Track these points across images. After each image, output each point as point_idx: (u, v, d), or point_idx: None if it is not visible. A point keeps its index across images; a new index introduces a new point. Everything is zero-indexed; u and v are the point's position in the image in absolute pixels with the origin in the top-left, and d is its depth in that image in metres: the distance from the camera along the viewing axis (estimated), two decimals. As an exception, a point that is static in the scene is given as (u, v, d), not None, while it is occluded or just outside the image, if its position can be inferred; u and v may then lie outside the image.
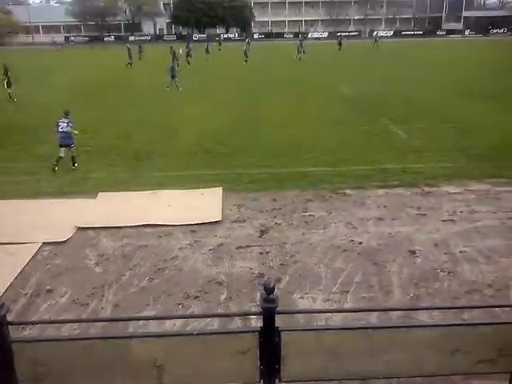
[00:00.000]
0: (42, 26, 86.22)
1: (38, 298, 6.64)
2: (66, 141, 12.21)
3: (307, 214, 9.33)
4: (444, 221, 8.89)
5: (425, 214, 9.18)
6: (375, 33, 74.87)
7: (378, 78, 28.11)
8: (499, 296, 6.44)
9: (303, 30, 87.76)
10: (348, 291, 6.67)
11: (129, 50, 38.18)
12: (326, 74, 31.64)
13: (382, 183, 10.80)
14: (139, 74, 33.62)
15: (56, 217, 9.22)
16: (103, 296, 6.66)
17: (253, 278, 7.09)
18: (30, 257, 7.70)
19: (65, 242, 8.26)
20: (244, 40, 58.26)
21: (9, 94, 22.45)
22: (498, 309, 5.57)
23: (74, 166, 12.39)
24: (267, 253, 7.83)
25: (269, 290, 3.36)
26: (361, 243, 8.06)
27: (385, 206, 9.60)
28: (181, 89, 25.14)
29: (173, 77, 25.68)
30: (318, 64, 38.43)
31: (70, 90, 25.69)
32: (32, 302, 6.55)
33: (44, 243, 8.13)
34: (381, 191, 10.39)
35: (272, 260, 7.61)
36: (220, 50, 51.12)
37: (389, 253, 7.72)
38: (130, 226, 8.79)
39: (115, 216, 9.22)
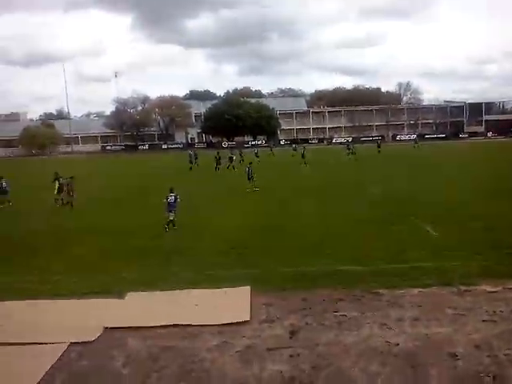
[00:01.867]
0: (81, 137, 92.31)
1: (61, 401, 6.41)
2: (172, 208, 16.53)
3: (339, 314, 9.02)
4: (484, 321, 8.44)
5: (463, 314, 8.76)
6: (417, 135, 77.88)
7: (404, 178, 28.45)
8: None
9: (327, 135, 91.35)
10: (386, 397, 6.23)
11: (190, 155, 43.28)
12: (356, 175, 32.27)
13: (416, 282, 10.46)
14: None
15: (84, 317, 9.15)
16: (128, 400, 6.39)
17: (283, 382, 6.72)
18: (57, 358, 7.54)
19: (92, 342, 8.12)
20: (270, 146, 62.16)
21: (58, 199, 23.40)
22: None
23: (174, 227, 16.51)
24: (298, 355, 7.49)
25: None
26: (397, 344, 7.66)
27: (420, 306, 9.23)
28: (257, 189, 26.11)
29: (250, 179, 26.69)
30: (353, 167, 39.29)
31: (102, 197, 26.74)
32: (55, 405, 6.33)
33: (71, 343, 8.00)
34: (415, 290, 10.04)
35: (303, 362, 7.25)
36: (273, 154, 54.00)
37: (427, 355, 7.28)
38: (158, 327, 8.62)
39: (143, 316, 9.10)
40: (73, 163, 54.83)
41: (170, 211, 16.61)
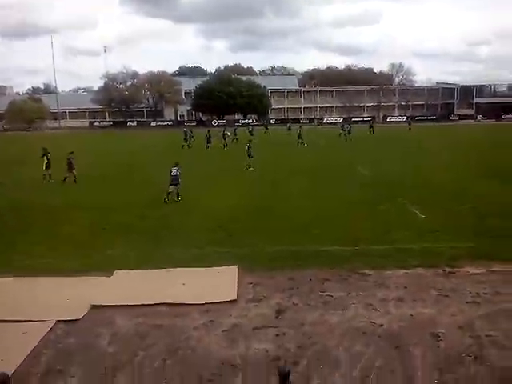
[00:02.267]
0: (69, 112, 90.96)
1: (47, 378, 6.44)
2: (174, 181, 17.69)
3: (325, 294, 9.12)
4: (468, 302, 8.58)
5: (447, 296, 8.90)
6: (409, 117, 77.00)
7: (394, 160, 28.52)
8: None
9: (318, 115, 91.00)
10: (369, 376, 6.34)
11: (185, 133, 42.27)
12: (345, 156, 32.27)
13: (402, 263, 10.58)
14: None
15: (70, 295, 9.14)
16: (115, 377, 6.42)
17: (269, 361, 6.80)
18: (43, 335, 7.55)
19: (78, 320, 8.13)
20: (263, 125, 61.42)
21: (46, 174, 23.27)
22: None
23: (177, 198, 17.66)
24: (284, 334, 7.58)
25: (284, 376, 3.20)
26: (382, 325, 7.77)
27: (405, 287, 9.35)
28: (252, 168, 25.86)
29: (250, 156, 26.50)
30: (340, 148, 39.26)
31: (89, 173, 26.52)
32: (42, 382, 6.35)
33: (58, 321, 8.01)
34: (401, 271, 10.17)
35: (289, 342, 7.34)
36: (268, 133, 53.16)
37: (411, 336, 7.40)
38: (145, 305, 8.66)
39: (131, 294, 9.12)
40: (62, 139, 54.05)
41: (173, 184, 17.75)
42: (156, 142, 47.48)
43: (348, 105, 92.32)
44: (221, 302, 8.75)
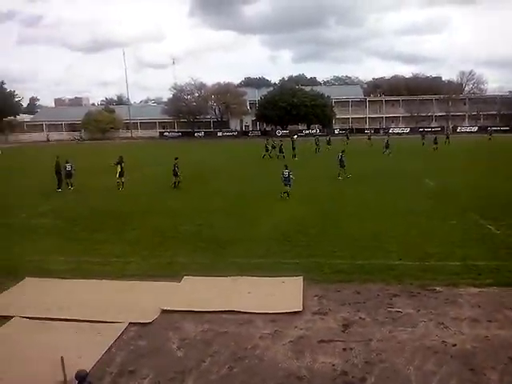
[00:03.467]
0: (140, 123, 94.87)
1: (121, 379, 6.71)
2: (286, 182, 20.59)
3: (394, 309, 8.89)
4: (549, 326, 8.06)
5: (525, 317, 8.40)
6: (489, 127, 73.50)
7: (464, 172, 27.36)
8: None
9: (384, 125, 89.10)
10: (441, 398, 6.11)
11: (267, 143, 42.55)
12: (412, 166, 31.38)
13: (475, 281, 10.12)
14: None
15: (142, 298, 9.51)
16: (183, 381, 6.60)
17: (335, 376, 6.73)
18: (117, 336, 7.90)
19: (150, 323, 8.43)
20: (326, 135, 60.76)
21: (119, 182, 24.44)
22: None
23: (287, 196, 20.21)
24: (351, 349, 7.46)
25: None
26: (454, 345, 7.46)
27: (479, 306, 8.93)
28: (350, 175, 26.23)
29: (342, 166, 26.51)
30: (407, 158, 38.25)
31: (161, 182, 27.47)
32: (115, 381, 6.64)
33: (130, 323, 8.35)
34: (474, 290, 9.72)
35: (356, 357, 7.22)
36: (347, 143, 51.65)
37: (487, 358, 7.05)
38: (212, 312, 8.83)
39: (198, 300, 9.34)
40: (138, 148, 56.59)
41: (286, 184, 20.67)
42: (234, 152, 47.83)
43: (415, 114, 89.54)
44: (286, 313, 8.75)
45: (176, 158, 24.98)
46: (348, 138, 55.63)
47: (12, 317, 8.67)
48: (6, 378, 6.70)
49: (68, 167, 24.90)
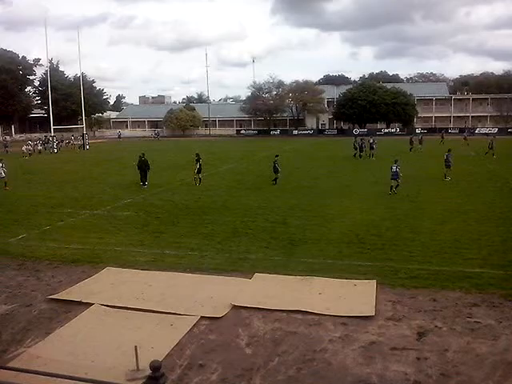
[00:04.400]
0: (219, 121, 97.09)
1: (190, 371, 6.87)
2: (394, 176, 21.23)
3: (472, 320, 8.38)
4: None
5: None
6: None
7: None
8: None
9: (470, 125, 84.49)
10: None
11: (411, 139, 45.23)
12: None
13: None
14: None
15: (214, 293, 9.70)
16: (251, 379, 6.63)
17: (408, 385, 6.45)
18: (188, 329, 8.12)
19: (221, 318, 8.58)
20: (413, 134, 58.67)
21: (197, 178, 25.15)
22: None
23: (395, 191, 21.07)
24: (425, 359, 7.12)
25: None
26: (540, 362, 6.90)
27: None
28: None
29: (448, 166, 25.75)
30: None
31: (237, 178, 27.96)
32: (185, 374, 6.80)
33: (202, 317, 8.54)
34: None
35: (431, 367, 6.87)
36: (442, 143, 50.44)
37: None
38: (282, 310, 8.81)
39: (268, 298, 9.37)
40: (220, 145, 57.93)
41: (393, 179, 21.31)
42: (331, 153, 46.41)
43: (505, 114, 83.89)
44: (358, 317, 8.54)
45: (276, 156, 25.68)
46: (443, 138, 53.38)
47: (92, 304, 9.17)
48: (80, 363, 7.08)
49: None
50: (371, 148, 38.76)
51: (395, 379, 6.60)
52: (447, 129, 75.69)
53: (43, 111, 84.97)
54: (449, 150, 26.34)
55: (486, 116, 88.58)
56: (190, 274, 10.90)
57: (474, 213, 16.90)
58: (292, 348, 7.51)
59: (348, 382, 6.55)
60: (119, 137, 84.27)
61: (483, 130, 77.22)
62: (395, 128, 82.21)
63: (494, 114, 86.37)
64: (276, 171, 25.15)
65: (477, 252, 12.19)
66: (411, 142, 44.61)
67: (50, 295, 9.75)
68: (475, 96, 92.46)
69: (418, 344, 7.58)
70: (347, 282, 10.20)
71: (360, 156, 38.24)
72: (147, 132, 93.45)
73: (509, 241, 13.11)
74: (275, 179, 24.97)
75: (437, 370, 6.81)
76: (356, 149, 39.26)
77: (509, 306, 8.93)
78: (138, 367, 6.45)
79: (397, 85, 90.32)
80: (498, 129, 75.43)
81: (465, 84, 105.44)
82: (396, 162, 21.65)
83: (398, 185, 21.20)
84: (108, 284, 10.34)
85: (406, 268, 11.07)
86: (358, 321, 8.42)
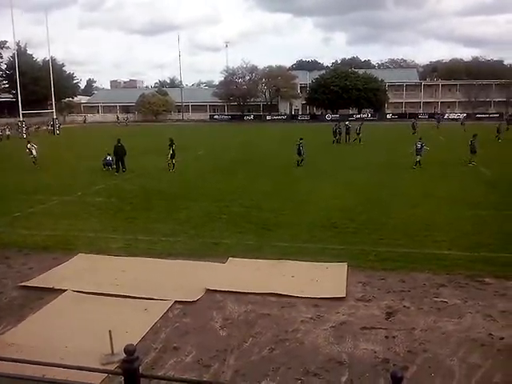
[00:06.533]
0: (192, 106, 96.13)
1: (165, 354, 6.95)
2: (418, 152, 24.61)
3: (439, 299, 8.69)
4: None
5: None
6: None
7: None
8: None
9: (439, 110, 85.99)
10: (486, 391, 5.96)
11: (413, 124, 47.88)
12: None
13: (528, 274, 9.71)
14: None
15: (188, 277, 9.77)
16: (225, 360, 6.76)
17: (377, 363, 6.68)
18: (163, 313, 8.18)
19: (195, 302, 8.67)
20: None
21: (170, 163, 24.99)
22: None
23: (420, 165, 24.40)
24: (393, 337, 7.37)
25: (397, 380, 3.12)
26: (502, 339, 7.23)
27: (531, 300, 8.58)
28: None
29: (473, 152, 25.67)
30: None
31: (211, 163, 27.90)
32: (160, 357, 6.88)
33: (176, 301, 8.61)
34: (527, 283, 9.34)
35: (399, 345, 7.13)
36: (438, 128, 51.61)
37: (536, 354, 6.79)
38: (255, 293, 8.95)
39: (242, 281, 9.50)
40: (194, 130, 57.45)
41: (417, 154, 24.52)
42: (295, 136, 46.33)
43: (473, 100, 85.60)
44: (329, 298, 8.75)
45: (301, 139, 26.20)
46: (439, 123, 54.28)
47: (65, 290, 9.13)
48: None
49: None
50: (347, 133, 39.47)
51: (365, 357, 6.83)
52: (387, 114, 77.56)
53: (11, 95, 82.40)
54: (474, 136, 26.17)
55: (455, 102, 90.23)
56: (163, 260, 10.91)
57: (447, 197, 17.33)
58: (265, 329, 7.66)
59: (319, 360, 6.74)
60: (84, 121, 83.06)
61: (452, 116, 78.77)
62: (366, 113, 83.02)
63: (463, 99, 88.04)
64: (300, 154, 25.82)
65: (445, 235, 12.55)
66: (414, 127, 45.94)
67: (22, 282, 9.64)
68: (444, 82, 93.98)
69: (386, 323, 7.83)
70: (319, 265, 10.40)
71: (338, 141, 38.72)
72: (120, 117, 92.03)
73: (478, 224, 13.53)
74: (299, 161, 25.75)
75: (404, 347, 7.07)
76: (336, 135, 39.82)
77: (474, 286, 9.27)
78: (112, 351, 6.49)
79: (368, 70, 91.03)
80: (467, 114, 77.00)
81: (435, 70, 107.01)
82: (421, 139, 25.35)
83: (419, 160, 24.41)
84: (81, 270, 10.27)
85: (376, 251, 11.34)
86: (330, 302, 8.62)
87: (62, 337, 7.32)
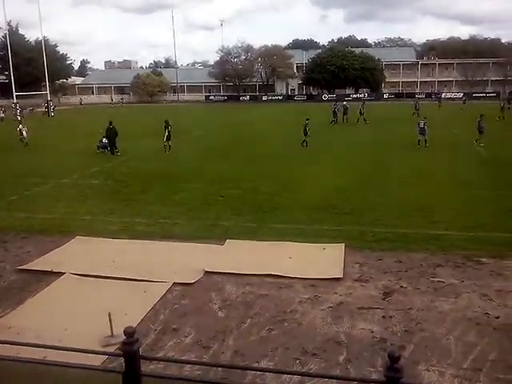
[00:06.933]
0: (187, 86, 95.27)
1: (164, 336, 7.00)
2: (422, 131, 24.67)
3: (436, 279, 8.76)
4: None
5: None
6: None
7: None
8: None
9: (436, 90, 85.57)
10: (481, 369, 6.04)
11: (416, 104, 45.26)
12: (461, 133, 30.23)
13: (525, 254, 9.79)
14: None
15: (186, 259, 9.80)
16: (224, 341, 6.82)
17: (374, 343, 6.76)
18: (161, 295, 8.22)
19: (193, 283, 8.71)
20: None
21: (166, 145, 24.81)
22: None
23: (425, 144, 24.34)
24: (390, 317, 7.45)
25: (394, 359, 3.14)
26: (497, 318, 7.31)
27: (527, 279, 8.66)
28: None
29: (481, 132, 25.48)
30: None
31: (208, 145, 27.77)
32: (159, 338, 6.94)
33: (175, 283, 8.65)
34: (523, 262, 9.42)
35: (396, 325, 7.21)
36: (439, 107, 51.31)
37: (531, 332, 6.88)
38: (253, 275, 9.00)
39: (240, 263, 9.54)
40: (189, 111, 57.08)
41: (421, 133, 24.79)
42: (291, 116, 44.55)
43: (470, 79, 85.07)
44: (326, 279, 8.80)
45: (307, 119, 26.37)
46: (440, 102, 54.02)
47: (63, 273, 9.15)
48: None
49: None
50: (344, 113, 39.35)
51: (362, 337, 6.90)
52: (383, 94, 76.85)
53: (4, 77, 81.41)
54: (481, 116, 25.95)
55: (452, 81, 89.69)
56: (161, 242, 10.93)
57: (447, 177, 17.35)
58: (263, 310, 7.72)
59: (317, 340, 6.81)
60: (80, 103, 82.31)
61: (448, 95, 78.41)
62: (363, 93, 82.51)
63: (460, 78, 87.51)
64: (306, 134, 25.92)
65: (442, 215, 12.60)
66: (416, 107, 44.46)
67: (20, 266, 9.65)
68: (441, 61, 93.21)
69: (383, 303, 7.90)
70: (316, 246, 10.44)
71: (336, 122, 38.73)
72: (115, 98, 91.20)
73: (474, 205, 13.57)
74: (304, 141, 25.73)
75: (401, 327, 7.14)
76: (335, 115, 39.72)
77: (471, 266, 9.34)
78: (112, 333, 6.53)
79: (365, 50, 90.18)
80: (464, 93, 76.68)
81: (431, 49, 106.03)
82: (425, 118, 25.36)
83: (425, 140, 24.39)
84: (79, 253, 10.29)
85: (373, 231, 11.39)
86: (327, 283, 8.68)
87: (62, 319, 7.36)
